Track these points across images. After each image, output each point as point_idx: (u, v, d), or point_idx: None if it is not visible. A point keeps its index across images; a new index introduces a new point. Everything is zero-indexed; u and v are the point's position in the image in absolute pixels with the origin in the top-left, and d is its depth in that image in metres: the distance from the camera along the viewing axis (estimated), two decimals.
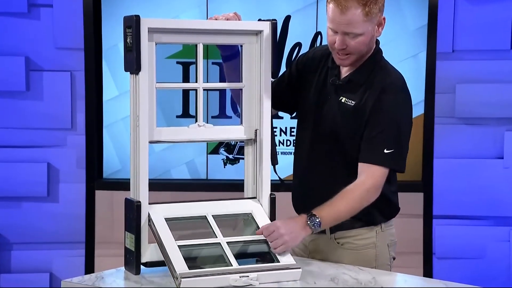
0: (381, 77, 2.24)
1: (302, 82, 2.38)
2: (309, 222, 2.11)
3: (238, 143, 3.80)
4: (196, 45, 2.16)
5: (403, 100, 2.23)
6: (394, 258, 2.35)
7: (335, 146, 2.25)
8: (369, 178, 2.16)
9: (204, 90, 2.19)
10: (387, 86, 2.21)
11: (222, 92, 3.76)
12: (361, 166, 2.18)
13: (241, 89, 2.23)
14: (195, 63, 2.17)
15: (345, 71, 2.29)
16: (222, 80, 3.52)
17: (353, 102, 2.23)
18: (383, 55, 2.31)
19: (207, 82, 3.56)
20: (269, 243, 2.08)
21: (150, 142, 2.10)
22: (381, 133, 2.17)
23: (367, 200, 2.16)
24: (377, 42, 2.29)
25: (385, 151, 2.16)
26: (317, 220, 2.11)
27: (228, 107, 3.80)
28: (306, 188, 2.34)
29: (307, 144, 2.33)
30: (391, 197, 2.32)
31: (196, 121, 2.17)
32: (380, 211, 2.29)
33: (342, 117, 2.24)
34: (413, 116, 2.28)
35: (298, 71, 2.40)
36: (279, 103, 2.37)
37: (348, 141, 2.23)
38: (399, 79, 2.27)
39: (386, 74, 2.25)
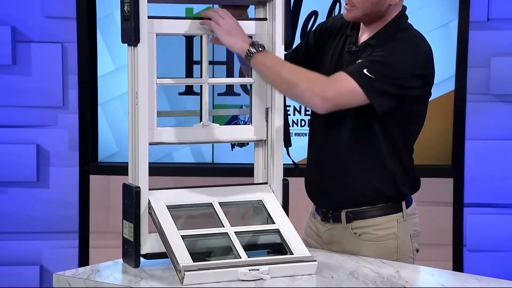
0: (399, 34, 2.26)
1: (319, 53, 2.40)
2: (254, 42, 2.15)
3: (248, 121, 3.81)
4: (201, 37, 2.17)
5: (414, 53, 2.22)
6: (417, 251, 2.37)
7: (353, 120, 2.27)
8: (333, 79, 2.18)
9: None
10: (400, 35, 2.25)
11: (229, 65, 3.77)
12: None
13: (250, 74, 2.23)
14: (200, 56, 2.18)
15: (364, 38, 2.31)
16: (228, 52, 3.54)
17: None
18: (408, 20, 2.32)
19: (213, 58, 3.59)
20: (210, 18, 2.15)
21: (150, 144, 2.11)
22: (369, 61, 2.19)
23: (309, 88, 2.15)
24: (404, 8, 2.32)
25: (364, 71, 2.17)
26: (262, 47, 2.15)
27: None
28: (321, 170, 2.35)
29: (323, 121, 2.34)
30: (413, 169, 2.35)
31: (201, 120, 2.18)
32: (404, 183, 2.31)
33: None
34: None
35: (316, 42, 2.42)
36: None
37: (365, 112, 2.24)
38: (420, 38, 2.28)
39: (406, 31, 2.28)
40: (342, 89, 2.17)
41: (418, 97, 2.26)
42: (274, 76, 2.18)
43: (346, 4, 2.28)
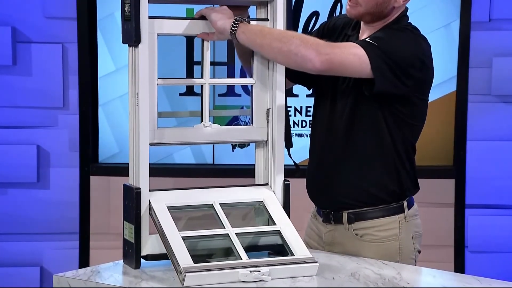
0: (399, 27, 2.28)
1: None
2: (239, 17, 2.14)
3: (249, 121, 3.81)
4: (203, 41, 2.18)
5: (412, 42, 2.24)
6: (419, 252, 2.38)
7: (356, 118, 2.27)
8: (336, 46, 2.19)
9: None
10: (400, 28, 2.26)
11: (230, 66, 3.77)
12: None
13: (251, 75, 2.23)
14: (201, 56, 2.18)
15: (364, 37, 2.31)
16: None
17: None
18: (409, 21, 2.33)
19: (214, 58, 3.59)
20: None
21: (151, 144, 2.11)
22: (369, 37, 2.21)
23: (305, 41, 2.13)
24: (405, 9, 2.34)
25: (367, 39, 2.20)
26: (246, 19, 2.14)
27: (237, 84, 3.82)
28: (323, 171, 2.35)
29: (325, 120, 2.35)
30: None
31: (202, 120, 2.18)
32: (406, 180, 2.31)
33: (359, 83, 2.25)
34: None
35: None
36: (297, 74, 2.37)
37: (367, 110, 2.24)
38: (420, 35, 2.29)
39: (406, 27, 2.29)
40: (341, 48, 2.18)
41: (415, 88, 2.25)
42: (264, 38, 2.14)
43: (350, 0, 2.29)
